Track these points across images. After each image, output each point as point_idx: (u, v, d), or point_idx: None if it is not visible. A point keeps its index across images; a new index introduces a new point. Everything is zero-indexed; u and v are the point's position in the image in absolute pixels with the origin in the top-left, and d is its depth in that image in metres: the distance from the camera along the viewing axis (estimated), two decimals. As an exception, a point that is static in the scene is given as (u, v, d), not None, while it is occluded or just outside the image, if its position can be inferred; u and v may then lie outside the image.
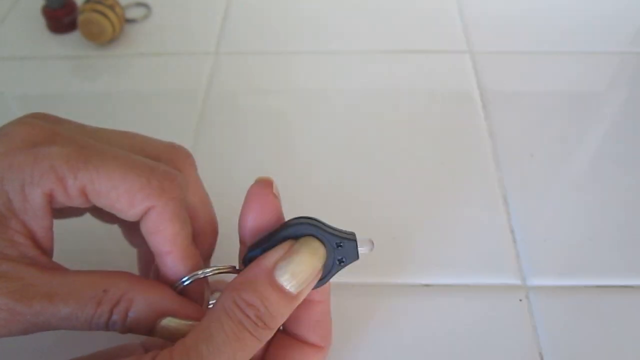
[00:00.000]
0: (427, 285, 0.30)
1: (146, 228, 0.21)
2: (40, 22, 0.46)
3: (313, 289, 0.21)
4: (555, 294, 0.29)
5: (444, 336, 0.28)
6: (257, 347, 0.19)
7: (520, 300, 0.29)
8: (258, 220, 0.21)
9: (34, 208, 0.20)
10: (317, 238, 0.21)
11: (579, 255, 0.31)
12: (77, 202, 0.20)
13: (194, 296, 0.23)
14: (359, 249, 0.22)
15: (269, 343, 0.23)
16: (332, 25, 0.46)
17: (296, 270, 0.20)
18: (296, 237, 0.21)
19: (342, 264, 0.22)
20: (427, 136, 0.37)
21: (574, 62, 0.42)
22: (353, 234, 0.22)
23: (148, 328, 0.20)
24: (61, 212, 0.23)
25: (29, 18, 0.47)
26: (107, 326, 0.20)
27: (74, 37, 0.45)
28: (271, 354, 0.23)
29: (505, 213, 0.33)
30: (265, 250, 0.21)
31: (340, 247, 0.21)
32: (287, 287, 0.20)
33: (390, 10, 0.47)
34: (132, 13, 0.47)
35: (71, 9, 0.45)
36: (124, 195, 0.20)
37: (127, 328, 0.20)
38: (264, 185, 0.21)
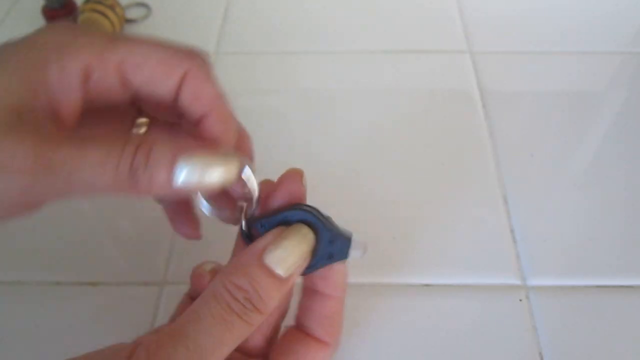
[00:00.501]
0: (427, 285, 0.30)
1: (185, 97, 0.22)
2: (40, 22, 0.46)
3: (303, 274, 0.22)
4: (555, 294, 0.29)
5: (444, 336, 0.28)
6: (246, 330, 0.20)
7: (520, 300, 0.29)
8: (283, 203, 0.22)
9: (68, 80, 0.20)
10: (311, 226, 0.21)
11: (579, 255, 0.31)
12: (113, 80, 0.21)
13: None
14: (350, 250, 0.22)
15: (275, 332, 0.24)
16: (332, 25, 0.46)
17: (284, 254, 0.20)
18: (293, 222, 0.22)
19: (330, 259, 0.22)
20: (427, 136, 0.37)
21: (574, 62, 0.42)
22: (350, 234, 0.22)
23: (169, 168, 0.19)
24: (102, 105, 0.22)
25: (29, 18, 0.47)
26: (131, 171, 0.18)
27: (74, 37, 0.45)
28: (276, 343, 0.24)
29: (505, 213, 0.33)
30: (264, 220, 0.22)
31: (333, 243, 0.22)
32: (276, 270, 0.20)
33: (390, 10, 0.47)
34: (132, 13, 0.47)
35: (71, 9, 0.45)
36: (159, 65, 0.21)
37: (149, 175, 0.19)
38: (297, 174, 0.23)
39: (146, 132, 0.25)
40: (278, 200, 0.23)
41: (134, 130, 0.25)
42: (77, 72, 0.20)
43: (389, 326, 0.28)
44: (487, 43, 0.44)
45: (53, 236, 0.32)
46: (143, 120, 0.25)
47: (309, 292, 0.24)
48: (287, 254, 0.20)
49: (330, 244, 0.22)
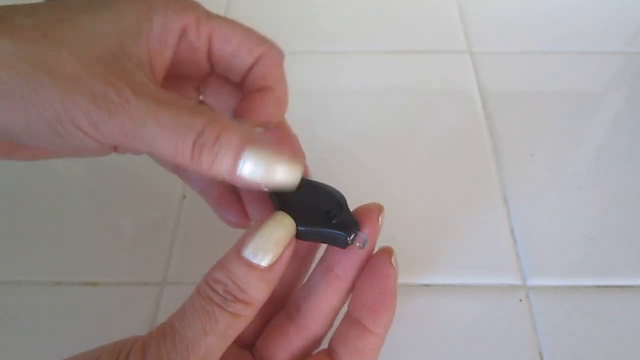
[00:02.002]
0: (427, 285, 0.30)
1: (256, 72, 0.24)
2: (40, 22, 0.46)
3: (303, 238, 0.21)
4: (555, 294, 0.29)
5: (443, 336, 0.28)
6: (234, 321, 0.20)
7: (520, 300, 0.29)
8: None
9: (167, 36, 0.22)
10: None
11: (579, 255, 0.31)
12: (202, 45, 0.23)
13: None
14: (349, 239, 0.22)
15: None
16: (332, 25, 0.46)
17: (259, 243, 0.20)
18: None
19: (331, 225, 0.22)
20: (427, 136, 0.37)
21: (574, 62, 0.42)
22: (357, 225, 0.22)
23: (235, 156, 0.20)
24: (180, 73, 0.25)
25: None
26: (195, 146, 0.19)
27: (74, 37, 0.45)
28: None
29: (505, 213, 0.33)
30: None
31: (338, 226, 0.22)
32: (253, 260, 0.20)
33: (390, 11, 0.47)
34: (132, 13, 0.47)
35: (71, 9, 0.45)
36: (244, 41, 0.24)
37: (214, 155, 0.19)
38: (374, 211, 0.24)
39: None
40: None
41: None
42: (176, 29, 0.22)
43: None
44: (487, 43, 0.44)
45: (53, 236, 0.32)
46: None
47: (351, 320, 0.22)
48: (262, 242, 0.20)
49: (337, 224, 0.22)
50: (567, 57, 0.43)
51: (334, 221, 0.22)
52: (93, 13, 0.21)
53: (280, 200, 0.22)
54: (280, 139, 0.25)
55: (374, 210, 0.24)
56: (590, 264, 0.30)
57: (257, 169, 0.20)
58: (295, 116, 0.40)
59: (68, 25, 0.20)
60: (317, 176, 0.35)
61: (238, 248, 0.20)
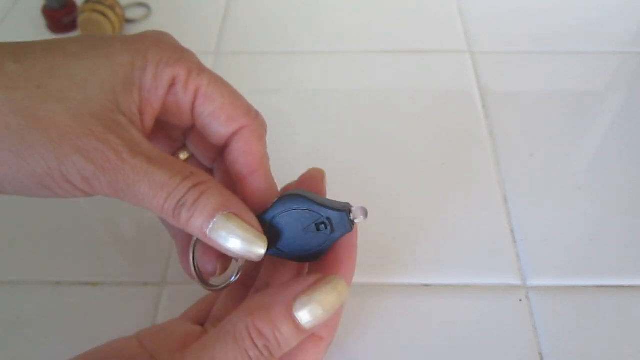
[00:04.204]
0: (427, 285, 0.30)
1: (236, 147, 0.24)
2: (40, 22, 0.46)
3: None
4: (555, 294, 0.29)
5: (444, 336, 0.28)
6: None
7: (520, 300, 0.29)
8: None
9: (158, 86, 0.22)
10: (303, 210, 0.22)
11: (579, 255, 0.31)
12: (187, 99, 0.23)
13: None
14: (351, 220, 0.22)
15: None
16: (332, 25, 0.46)
17: (316, 309, 0.20)
18: (288, 209, 0.22)
19: (333, 233, 0.22)
20: (427, 136, 0.37)
21: (574, 62, 0.42)
22: (346, 206, 0.23)
23: (207, 218, 0.21)
24: (166, 123, 0.25)
25: (29, 18, 0.47)
26: (177, 206, 0.20)
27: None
28: None
29: (505, 213, 0.33)
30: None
31: (332, 220, 0.22)
32: (303, 323, 0.20)
33: (390, 10, 0.47)
34: (132, 13, 0.47)
35: (71, 9, 0.45)
36: (227, 106, 0.24)
37: (190, 215, 0.20)
38: (318, 174, 0.25)
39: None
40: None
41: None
42: (167, 79, 0.22)
43: (389, 326, 0.28)
44: (487, 43, 0.44)
45: (53, 236, 0.32)
46: (185, 154, 0.27)
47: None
48: (319, 310, 0.20)
49: (331, 220, 0.22)
50: (567, 57, 0.43)
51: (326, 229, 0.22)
52: (88, 61, 0.21)
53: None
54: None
55: (317, 177, 0.25)
56: (590, 264, 0.30)
57: (222, 234, 0.21)
58: (295, 116, 0.40)
59: (62, 75, 0.20)
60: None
61: (289, 302, 0.20)
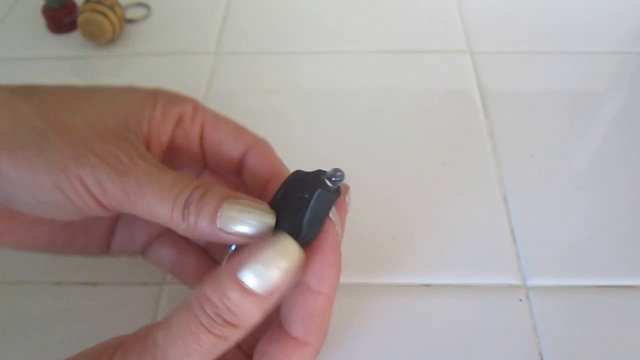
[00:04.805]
0: (427, 285, 0.30)
1: (253, 163, 0.26)
2: (40, 22, 0.46)
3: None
4: (555, 294, 0.29)
5: (444, 336, 0.28)
6: (220, 343, 0.19)
7: (520, 300, 0.29)
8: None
9: (165, 122, 0.24)
10: (295, 235, 0.20)
11: (579, 255, 0.31)
12: (194, 132, 0.25)
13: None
14: (328, 184, 0.21)
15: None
16: (332, 25, 0.46)
17: (260, 270, 0.19)
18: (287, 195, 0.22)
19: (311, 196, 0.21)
20: (427, 136, 0.37)
21: (574, 62, 0.42)
22: (321, 174, 0.22)
23: (215, 207, 0.21)
24: (176, 163, 0.26)
25: (29, 18, 0.47)
26: (185, 205, 0.20)
27: (74, 37, 0.45)
28: (247, 338, 0.22)
29: (505, 213, 0.33)
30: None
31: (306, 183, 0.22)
32: (250, 286, 0.19)
33: (390, 10, 0.47)
34: (132, 13, 0.47)
35: (71, 9, 0.45)
36: (232, 132, 0.26)
37: (198, 210, 0.21)
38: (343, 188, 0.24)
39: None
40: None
41: None
42: (174, 115, 0.25)
43: (388, 326, 0.28)
44: (487, 43, 0.44)
45: (53, 236, 0.32)
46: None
47: (296, 283, 0.21)
48: (263, 269, 0.19)
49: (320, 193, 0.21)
50: (567, 57, 0.43)
51: (305, 195, 0.21)
52: (103, 93, 0.24)
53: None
54: None
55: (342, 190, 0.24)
56: (590, 264, 0.30)
57: (231, 216, 0.21)
58: (295, 116, 0.40)
59: (80, 99, 0.23)
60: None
61: (234, 268, 0.19)
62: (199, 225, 0.21)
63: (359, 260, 0.31)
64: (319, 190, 0.21)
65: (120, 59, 0.43)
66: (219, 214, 0.20)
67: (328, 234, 0.21)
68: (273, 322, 0.23)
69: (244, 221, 0.21)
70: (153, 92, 0.25)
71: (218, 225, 0.20)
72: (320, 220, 0.21)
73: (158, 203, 0.21)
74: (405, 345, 0.27)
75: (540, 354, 0.27)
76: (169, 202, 0.21)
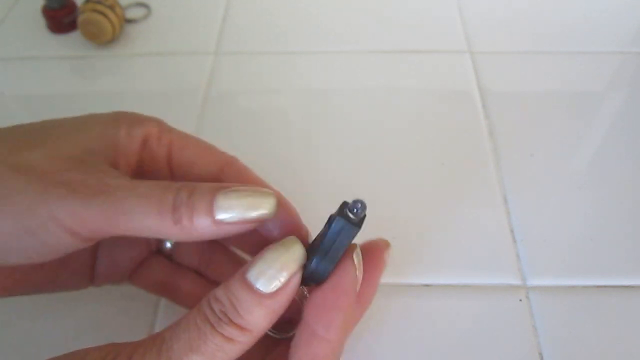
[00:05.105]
0: (427, 285, 0.30)
1: (229, 180, 0.24)
2: (40, 22, 0.46)
3: (308, 284, 0.21)
4: (555, 294, 0.29)
5: (444, 336, 0.28)
6: (226, 345, 0.19)
7: (520, 300, 0.29)
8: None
9: (131, 143, 0.23)
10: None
11: (579, 255, 0.31)
12: (162, 152, 0.24)
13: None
14: (349, 215, 0.20)
15: None
16: (332, 26, 0.46)
17: (263, 267, 0.19)
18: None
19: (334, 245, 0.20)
20: (427, 136, 0.37)
21: (574, 62, 0.42)
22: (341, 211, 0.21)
23: (210, 201, 0.20)
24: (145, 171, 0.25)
25: (29, 18, 0.47)
26: (174, 208, 0.19)
27: (74, 37, 0.45)
28: None
29: (505, 213, 0.33)
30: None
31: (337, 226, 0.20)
32: (256, 285, 0.19)
33: (390, 10, 0.47)
34: (132, 13, 0.47)
35: (71, 9, 0.45)
36: (204, 151, 0.24)
37: (191, 209, 0.20)
38: (380, 248, 0.24)
39: None
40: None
41: None
42: (140, 137, 0.23)
43: (388, 326, 0.28)
44: (487, 43, 0.44)
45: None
46: None
47: (303, 324, 0.20)
48: (267, 267, 0.19)
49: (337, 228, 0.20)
50: (567, 57, 0.43)
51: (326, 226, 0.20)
52: (64, 124, 0.23)
53: None
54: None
55: (381, 246, 0.24)
56: (590, 264, 0.30)
57: (233, 207, 0.20)
58: (295, 116, 0.40)
59: (39, 133, 0.22)
60: (317, 176, 0.35)
61: (244, 269, 0.20)
62: (195, 224, 0.20)
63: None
64: (337, 218, 0.20)
65: (120, 59, 0.43)
66: (216, 206, 0.20)
67: (343, 274, 0.20)
68: None
69: (247, 205, 0.20)
70: (114, 116, 0.24)
71: (217, 218, 0.20)
72: (335, 252, 0.20)
73: (142, 215, 0.19)
74: (405, 345, 0.27)
75: (540, 354, 0.27)
76: (154, 209, 0.19)
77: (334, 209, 0.25)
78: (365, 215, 0.20)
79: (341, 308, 0.20)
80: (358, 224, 0.20)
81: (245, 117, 0.39)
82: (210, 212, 0.20)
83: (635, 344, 0.27)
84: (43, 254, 0.20)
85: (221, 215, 0.20)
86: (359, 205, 0.20)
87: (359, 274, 0.21)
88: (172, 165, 0.24)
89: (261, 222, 0.21)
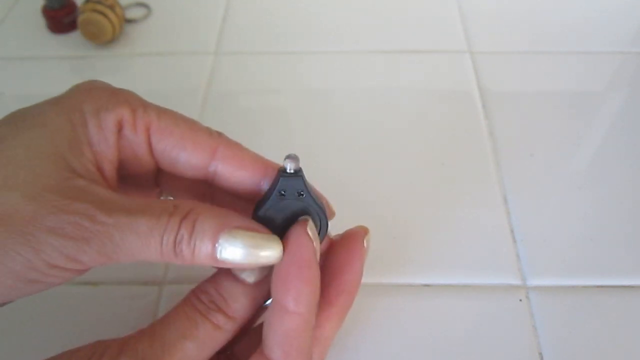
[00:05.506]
0: (427, 285, 0.30)
1: (224, 173, 0.22)
2: (40, 22, 0.46)
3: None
4: (555, 294, 0.29)
5: (443, 336, 0.28)
6: (214, 331, 0.20)
7: (520, 300, 0.29)
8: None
9: (105, 135, 0.21)
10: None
11: (579, 255, 0.31)
12: (140, 139, 0.21)
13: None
14: (287, 167, 0.21)
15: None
16: (332, 25, 0.46)
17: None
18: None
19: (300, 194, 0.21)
20: (427, 136, 0.37)
21: (574, 62, 0.42)
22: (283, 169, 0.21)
23: (212, 243, 0.19)
24: (129, 173, 0.23)
25: (29, 18, 0.47)
26: (175, 244, 0.19)
27: (74, 37, 0.45)
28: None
29: (505, 213, 0.33)
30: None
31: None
32: (241, 275, 0.21)
33: (391, 10, 0.47)
34: (132, 13, 0.47)
35: (71, 9, 0.45)
36: (187, 133, 0.22)
37: (192, 248, 0.19)
38: (359, 234, 0.24)
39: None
40: (337, 257, 0.23)
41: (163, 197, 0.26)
42: (112, 126, 0.21)
43: (388, 326, 0.28)
44: (487, 43, 0.44)
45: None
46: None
47: (273, 304, 0.21)
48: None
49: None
50: (567, 57, 0.43)
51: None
52: (23, 138, 0.19)
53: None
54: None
55: (360, 233, 0.24)
56: (590, 264, 0.30)
57: (235, 254, 0.19)
58: (295, 116, 0.40)
59: (2, 164, 0.19)
60: (315, 176, 0.35)
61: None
62: (196, 260, 0.19)
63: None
64: (280, 179, 0.21)
65: (120, 59, 0.43)
66: (218, 250, 0.19)
67: (297, 245, 0.20)
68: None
69: (250, 252, 0.19)
70: (77, 106, 0.21)
71: (220, 259, 0.19)
72: (289, 210, 0.21)
73: (142, 251, 0.19)
74: (405, 345, 0.27)
75: (540, 354, 0.27)
76: (154, 247, 0.19)
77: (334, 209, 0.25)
78: (299, 168, 0.21)
79: (304, 279, 0.20)
80: (297, 174, 0.21)
81: (245, 117, 0.39)
82: (213, 255, 0.19)
83: (635, 344, 0.27)
84: (53, 286, 0.20)
85: (224, 257, 0.19)
86: (292, 157, 0.21)
87: (316, 244, 0.21)
88: (155, 154, 0.22)
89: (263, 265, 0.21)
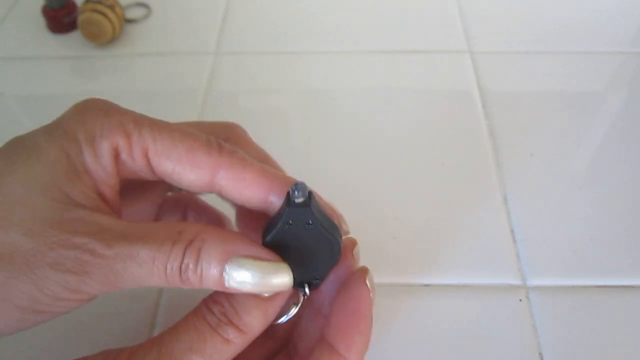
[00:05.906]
0: (427, 285, 0.30)
1: (227, 190, 0.22)
2: (40, 22, 0.46)
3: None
4: (555, 294, 0.29)
5: (443, 336, 0.28)
6: (224, 346, 0.19)
7: (520, 300, 0.29)
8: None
9: (102, 163, 0.20)
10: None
11: (579, 255, 0.31)
12: (140, 165, 0.21)
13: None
14: (295, 197, 0.20)
15: None
16: (332, 25, 0.46)
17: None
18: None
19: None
20: (427, 136, 0.37)
21: (574, 62, 0.42)
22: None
23: (219, 271, 0.19)
24: (131, 190, 0.23)
25: (29, 18, 0.47)
26: (181, 272, 0.19)
27: (74, 37, 0.45)
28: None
29: (505, 213, 0.33)
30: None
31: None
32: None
33: (391, 10, 0.47)
34: (132, 13, 0.47)
35: (71, 9, 0.45)
36: (186, 154, 0.21)
37: (199, 275, 0.19)
38: (347, 247, 0.23)
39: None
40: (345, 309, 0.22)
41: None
42: (108, 155, 0.20)
43: (388, 326, 0.28)
44: (487, 43, 0.44)
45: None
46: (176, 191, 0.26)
47: (324, 344, 0.21)
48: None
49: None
50: (567, 57, 0.43)
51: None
52: (18, 173, 0.19)
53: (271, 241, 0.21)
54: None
55: (347, 246, 0.23)
56: (590, 264, 0.30)
57: (245, 281, 0.19)
58: (295, 116, 0.40)
59: (5, 212, 0.19)
60: (317, 175, 0.35)
61: None
62: (204, 286, 0.19)
63: (360, 260, 0.31)
64: (286, 209, 0.20)
65: (120, 59, 0.43)
66: (225, 278, 0.19)
67: (361, 301, 0.21)
68: None
69: (259, 281, 0.19)
70: (71, 134, 0.20)
71: (228, 287, 0.19)
72: (299, 238, 0.21)
73: (147, 279, 0.19)
74: (405, 345, 0.27)
75: (540, 354, 0.27)
76: (158, 275, 0.19)
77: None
78: (308, 195, 0.21)
79: (362, 331, 0.21)
80: (306, 204, 0.20)
81: (245, 117, 0.39)
82: (221, 282, 0.19)
83: (635, 344, 0.27)
84: (62, 314, 0.20)
85: (232, 285, 0.19)
86: (300, 186, 0.21)
87: (373, 295, 0.21)
88: (158, 174, 0.22)
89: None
